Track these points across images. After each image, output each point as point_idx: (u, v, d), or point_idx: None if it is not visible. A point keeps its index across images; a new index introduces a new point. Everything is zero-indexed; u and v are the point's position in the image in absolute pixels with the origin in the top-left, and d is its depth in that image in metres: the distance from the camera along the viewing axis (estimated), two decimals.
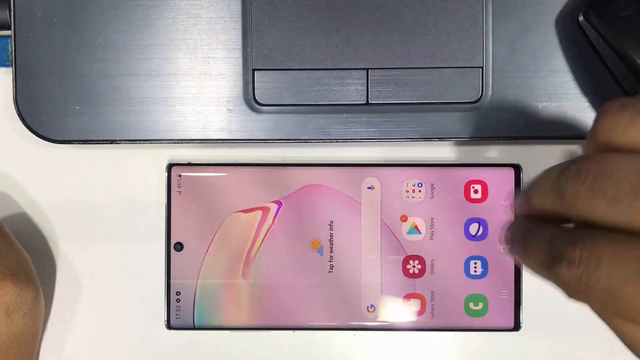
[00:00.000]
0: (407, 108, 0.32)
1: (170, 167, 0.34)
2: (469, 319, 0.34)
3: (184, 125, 0.32)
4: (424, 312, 0.34)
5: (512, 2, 0.32)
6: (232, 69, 0.32)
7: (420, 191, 0.34)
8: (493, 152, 0.35)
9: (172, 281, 0.34)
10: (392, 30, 0.32)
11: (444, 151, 0.35)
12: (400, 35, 0.32)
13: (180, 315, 0.34)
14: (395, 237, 0.34)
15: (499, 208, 0.34)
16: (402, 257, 0.34)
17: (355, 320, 0.34)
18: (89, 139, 0.32)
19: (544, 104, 0.32)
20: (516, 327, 0.34)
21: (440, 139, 0.32)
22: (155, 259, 0.35)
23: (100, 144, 0.32)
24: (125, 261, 0.35)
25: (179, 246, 0.34)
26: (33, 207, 0.35)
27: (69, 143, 0.32)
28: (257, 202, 0.34)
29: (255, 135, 0.32)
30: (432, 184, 0.34)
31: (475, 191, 0.34)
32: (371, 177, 0.34)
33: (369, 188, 0.34)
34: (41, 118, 0.32)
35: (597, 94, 0.31)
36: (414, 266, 0.34)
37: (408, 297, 0.34)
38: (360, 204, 0.34)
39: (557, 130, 0.32)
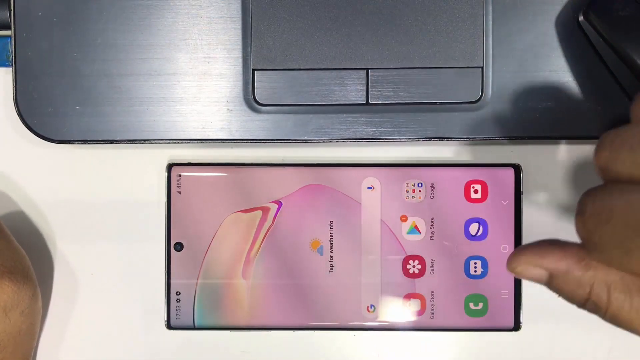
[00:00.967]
0: (407, 108, 0.32)
1: (170, 167, 0.34)
2: (469, 319, 0.34)
3: (184, 125, 0.32)
4: (424, 312, 0.34)
5: (512, 2, 0.32)
6: (232, 69, 0.32)
7: (420, 191, 0.34)
8: (493, 152, 0.35)
9: (172, 281, 0.34)
10: (392, 30, 0.32)
11: (444, 151, 0.35)
12: (400, 35, 0.32)
13: (180, 315, 0.34)
14: (395, 237, 0.34)
15: (499, 208, 0.34)
16: (402, 257, 0.34)
17: (355, 320, 0.34)
18: (89, 139, 0.32)
19: (544, 104, 0.32)
20: (516, 327, 0.34)
21: (440, 139, 0.32)
22: (155, 259, 0.35)
23: (100, 144, 0.32)
24: (125, 261, 0.35)
25: (179, 246, 0.34)
26: (33, 207, 0.35)
27: (69, 143, 0.32)
28: (257, 202, 0.34)
29: (255, 135, 0.32)
30: (432, 184, 0.34)
31: (475, 191, 0.34)
32: (371, 177, 0.34)
33: (369, 188, 0.34)
34: (41, 118, 0.32)
35: (597, 94, 0.31)
36: (414, 266, 0.34)
37: (408, 297, 0.34)
38: (360, 204, 0.34)
39: (557, 130, 0.32)
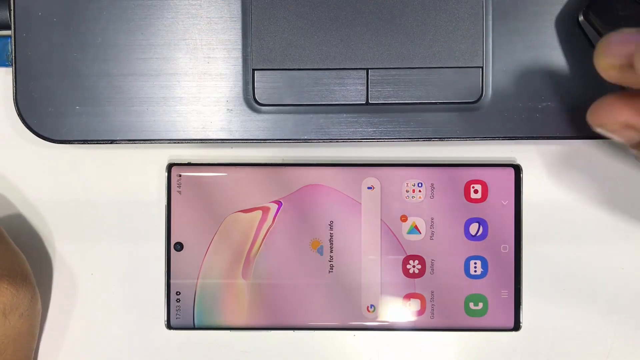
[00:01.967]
0: (407, 108, 0.32)
1: (170, 167, 0.34)
2: (469, 319, 0.34)
3: (184, 125, 0.32)
4: (424, 312, 0.34)
5: (512, 2, 0.32)
6: (232, 69, 0.32)
7: (420, 191, 0.34)
8: (493, 152, 0.35)
9: (172, 281, 0.34)
10: (392, 30, 0.32)
11: (444, 151, 0.35)
12: (400, 35, 0.32)
13: (180, 315, 0.34)
14: (395, 237, 0.34)
15: (499, 208, 0.34)
16: (402, 257, 0.34)
17: (355, 320, 0.34)
18: (89, 139, 0.32)
19: (544, 104, 0.32)
20: (516, 327, 0.34)
21: (441, 139, 0.32)
22: (155, 259, 0.35)
23: (100, 144, 0.32)
24: (125, 261, 0.35)
25: (179, 246, 0.34)
26: (33, 207, 0.35)
27: (69, 143, 0.32)
28: (257, 202, 0.34)
29: (255, 135, 0.32)
30: (432, 184, 0.34)
31: (475, 191, 0.34)
32: (371, 177, 0.34)
33: (369, 188, 0.34)
34: (41, 118, 0.32)
35: (597, 94, 0.31)
36: (414, 266, 0.34)
37: (408, 297, 0.34)
38: (360, 204, 0.34)
39: (557, 130, 0.32)
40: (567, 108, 0.32)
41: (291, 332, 0.35)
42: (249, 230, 0.34)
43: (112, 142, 0.32)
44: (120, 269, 0.35)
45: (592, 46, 0.31)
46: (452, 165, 0.34)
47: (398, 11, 0.32)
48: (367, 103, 0.32)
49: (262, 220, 0.34)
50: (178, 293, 0.34)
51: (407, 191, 0.34)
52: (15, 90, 0.32)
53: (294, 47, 0.32)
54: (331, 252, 0.34)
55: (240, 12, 0.32)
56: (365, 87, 0.32)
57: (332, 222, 0.34)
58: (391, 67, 0.32)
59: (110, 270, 0.35)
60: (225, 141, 0.32)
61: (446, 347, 0.35)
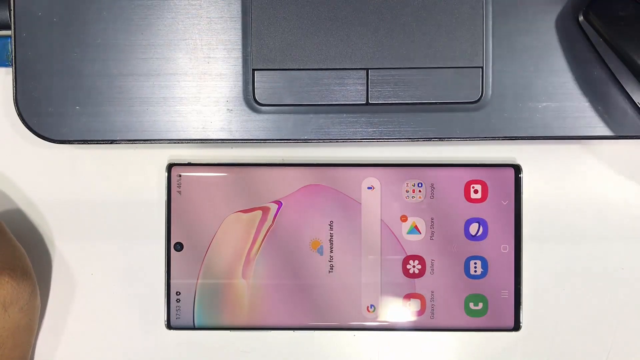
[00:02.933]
0: (407, 108, 0.32)
1: (170, 167, 0.34)
2: (469, 319, 0.34)
3: (184, 125, 0.32)
4: (424, 312, 0.34)
5: (512, 2, 0.31)
6: (232, 69, 0.32)
7: (420, 191, 0.34)
8: (493, 152, 0.35)
9: (172, 281, 0.34)
10: (392, 30, 0.32)
11: (444, 151, 0.35)
12: (400, 35, 0.32)
13: (180, 315, 0.34)
14: (395, 237, 0.34)
15: (499, 208, 0.34)
16: (402, 257, 0.34)
17: (355, 320, 0.34)
18: (89, 139, 0.32)
19: (544, 104, 0.32)
20: (516, 327, 0.34)
21: (440, 139, 0.32)
22: (155, 259, 0.35)
23: (100, 144, 0.32)
24: (125, 261, 0.35)
25: (179, 246, 0.34)
26: (33, 207, 0.35)
27: (69, 143, 0.32)
28: (257, 202, 0.34)
29: (255, 135, 0.32)
30: (432, 184, 0.34)
31: (475, 191, 0.34)
32: (371, 177, 0.34)
33: (369, 188, 0.34)
34: (41, 118, 0.32)
35: (597, 94, 0.31)
36: (414, 266, 0.34)
37: (408, 297, 0.34)
38: (360, 204, 0.34)
39: (557, 130, 0.32)
40: (567, 108, 0.32)
41: (291, 332, 0.35)
42: (249, 230, 0.34)
43: (112, 142, 0.32)
44: (120, 269, 0.35)
45: (592, 46, 0.31)
46: (452, 165, 0.34)
47: (398, 11, 0.32)
48: (367, 103, 0.32)
49: (262, 220, 0.34)
50: (178, 293, 0.34)
51: (407, 191, 0.34)
52: (15, 90, 0.32)
53: (294, 47, 0.32)
54: (331, 252, 0.34)
55: (240, 12, 0.32)
56: (365, 87, 0.32)
57: (332, 222, 0.34)
58: (391, 67, 0.32)
59: (110, 270, 0.35)
60: (225, 141, 0.32)
61: (446, 347, 0.35)
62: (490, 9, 0.32)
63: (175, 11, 0.32)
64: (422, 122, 0.32)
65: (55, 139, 0.32)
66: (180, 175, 0.34)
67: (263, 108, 0.32)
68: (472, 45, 0.32)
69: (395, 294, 0.34)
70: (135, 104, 0.32)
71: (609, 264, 0.35)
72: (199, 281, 0.34)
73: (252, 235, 0.34)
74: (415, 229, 0.34)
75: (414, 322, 0.34)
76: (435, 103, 0.32)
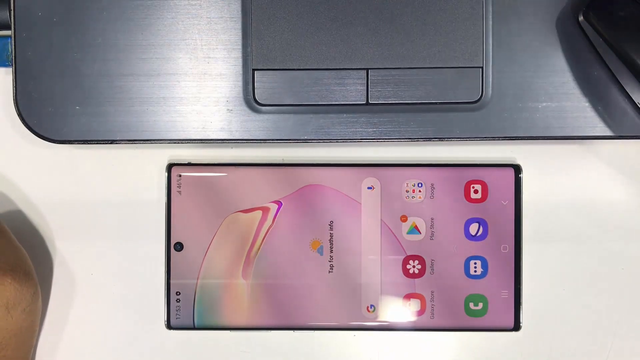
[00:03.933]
0: (407, 108, 0.32)
1: (170, 167, 0.34)
2: (469, 319, 0.34)
3: (184, 125, 0.32)
4: (424, 312, 0.34)
5: (512, 2, 0.31)
6: (232, 69, 0.32)
7: (420, 191, 0.34)
8: (493, 152, 0.35)
9: (172, 281, 0.34)
10: (392, 30, 0.32)
11: (444, 151, 0.35)
12: (400, 35, 0.32)
13: (180, 315, 0.34)
14: (395, 237, 0.34)
15: (499, 208, 0.34)
16: (402, 257, 0.34)
17: (355, 320, 0.34)
18: (89, 139, 0.32)
19: (544, 104, 0.32)
20: (516, 327, 0.34)
21: (440, 139, 0.32)
22: (155, 259, 0.35)
23: (100, 144, 0.32)
24: (125, 261, 0.35)
25: (179, 246, 0.34)
26: (33, 207, 0.35)
27: (69, 143, 0.32)
28: (257, 202, 0.34)
29: (255, 135, 0.32)
30: (432, 184, 0.34)
31: (475, 191, 0.34)
32: (371, 177, 0.34)
33: (369, 188, 0.34)
34: (41, 118, 0.32)
35: (597, 94, 0.31)
36: (414, 266, 0.34)
37: (408, 297, 0.34)
38: (360, 204, 0.34)
39: (557, 130, 0.32)
40: (567, 108, 0.32)
41: (291, 332, 0.35)
42: (249, 230, 0.34)
43: (112, 142, 0.32)
44: (120, 269, 0.35)
45: (592, 46, 0.31)
46: (452, 165, 0.34)
47: (398, 11, 0.32)
48: (367, 103, 0.32)
49: (262, 220, 0.34)
50: (178, 293, 0.34)
51: (407, 191, 0.34)
52: (15, 90, 0.32)
53: (294, 47, 0.32)
54: (331, 252, 0.34)
55: (240, 12, 0.32)
56: (365, 87, 0.32)
57: (332, 222, 0.34)
58: (391, 67, 0.32)
59: (110, 270, 0.35)
60: (225, 141, 0.32)
61: (446, 347, 0.35)
62: (490, 9, 0.32)
63: (175, 11, 0.32)
64: (422, 122, 0.32)
65: (55, 139, 0.32)
66: (180, 175, 0.34)
67: (263, 108, 0.32)
68: (472, 45, 0.32)
69: (395, 294, 0.34)
70: (135, 104, 0.32)
71: (609, 264, 0.35)
72: (199, 281, 0.34)
73: (252, 236, 0.34)
74: (415, 229, 0.34)
75: (414, 322, 0.34)
76: (435, 103, 0.32)
